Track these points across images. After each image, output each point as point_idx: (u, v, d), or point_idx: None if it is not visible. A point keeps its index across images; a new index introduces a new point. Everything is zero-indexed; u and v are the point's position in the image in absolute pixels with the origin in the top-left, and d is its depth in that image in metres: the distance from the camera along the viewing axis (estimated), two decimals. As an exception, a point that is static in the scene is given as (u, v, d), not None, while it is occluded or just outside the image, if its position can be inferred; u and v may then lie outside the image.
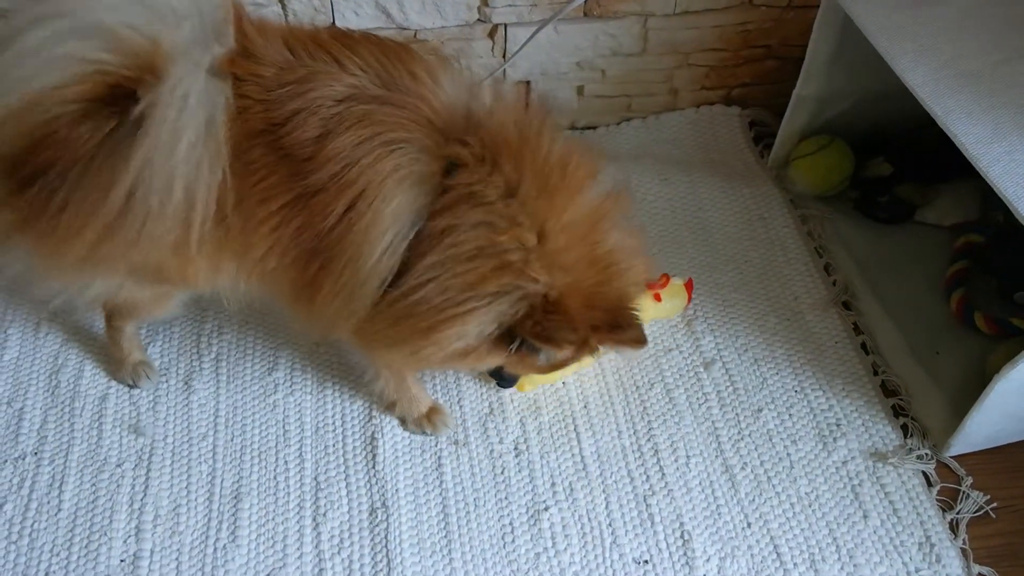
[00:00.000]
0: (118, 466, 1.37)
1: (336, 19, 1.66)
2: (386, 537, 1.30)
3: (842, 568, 1.28)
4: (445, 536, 1.31)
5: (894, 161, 1.71)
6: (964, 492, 1.36)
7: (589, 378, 1.48)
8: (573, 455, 1.40)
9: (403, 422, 1.42)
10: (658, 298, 1.50)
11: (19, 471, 1.36)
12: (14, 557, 1.28)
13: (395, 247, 1.08)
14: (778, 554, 1.29)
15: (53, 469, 1.37)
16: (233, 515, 1.32)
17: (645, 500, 1.35)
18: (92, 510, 1.32)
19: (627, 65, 1.83)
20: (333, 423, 1.43)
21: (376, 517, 1.32)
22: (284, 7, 1.63)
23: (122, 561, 1.28)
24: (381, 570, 1.27)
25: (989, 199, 1.44)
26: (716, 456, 1.39)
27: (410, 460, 1.39)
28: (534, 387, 1.45)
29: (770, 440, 1.41)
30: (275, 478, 1.36)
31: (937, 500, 1.35)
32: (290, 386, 1.47)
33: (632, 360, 1.50)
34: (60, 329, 1.53)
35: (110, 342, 1.45)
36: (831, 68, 1.64)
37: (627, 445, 1.41)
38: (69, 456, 1.38)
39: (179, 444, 1.40)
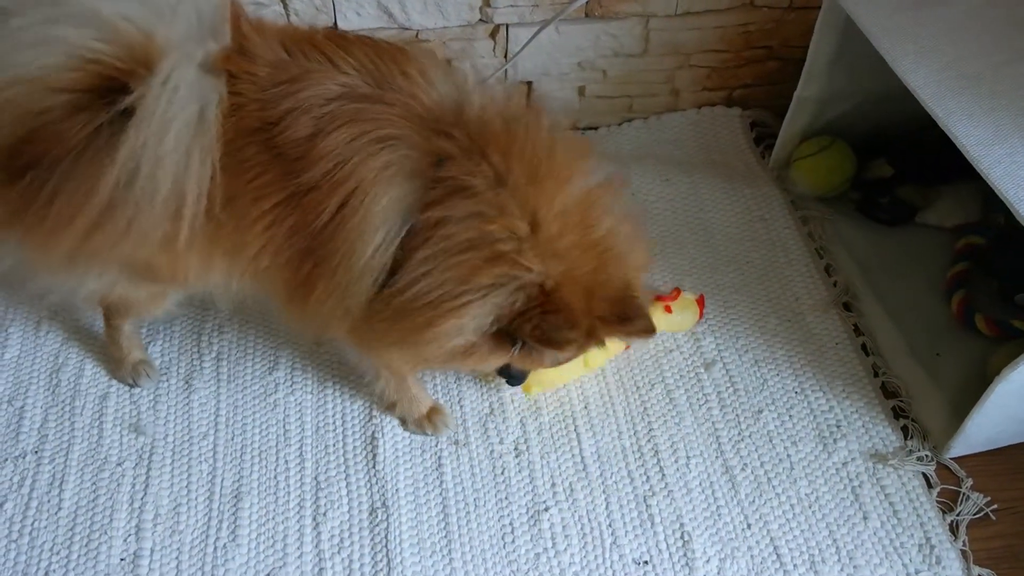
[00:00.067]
0: (118, 465, 1.37)
1: (338, 19, 1.66)
2: (386, 537, 1.30)
3: (842, 569, 1.28)
4: (445, 536, 1.31)
5: (895, 163, 1.71)
6: (964, 494, 1.36)
7: (589, 378, 1.48)
8: (573, 455, 1.40)
9: (403, 422, 1.42)
10: (668, 310, 1.49)
11: (20, 469, 1.36)
12: (14, 556, 1.28)
13: (388, 243, 1.07)
14: (778, 555, 1.30)
15: (54, 468, 1.37)
16: (233, 514, 1.32)
17: (645, 501, 1.35)
18: (92, 509, 1.33)
19: (628, 66, 1.84)
20: (333, 423, 1.43)
21: (376, 517, 1.32)
22: (286, 7, 1.63)
23: (122, 560, 1.28)
24: (381, 570, 1.27)
25: (990, 201, 1.43)
26: (716, 457, 1.39)
27: (410, 460, 1.39)
28: (542, 389, 1.44)
29: (770, 441, 1.41)
30: (275, 477, 1.36)
31: (937, 502, 1.35)
32: (291, 385, 1.47)
33: (635, 355, 1.50)
34: (61, 328, 1.53)
35: (109, 341, 1.45)
36: (832, 69, 1.64)
37: (627, 446, 1.41)
38: (70, 455, 1.38)
39: (179, 443, 1.40)
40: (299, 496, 1.35)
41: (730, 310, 1.59)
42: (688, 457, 1.39)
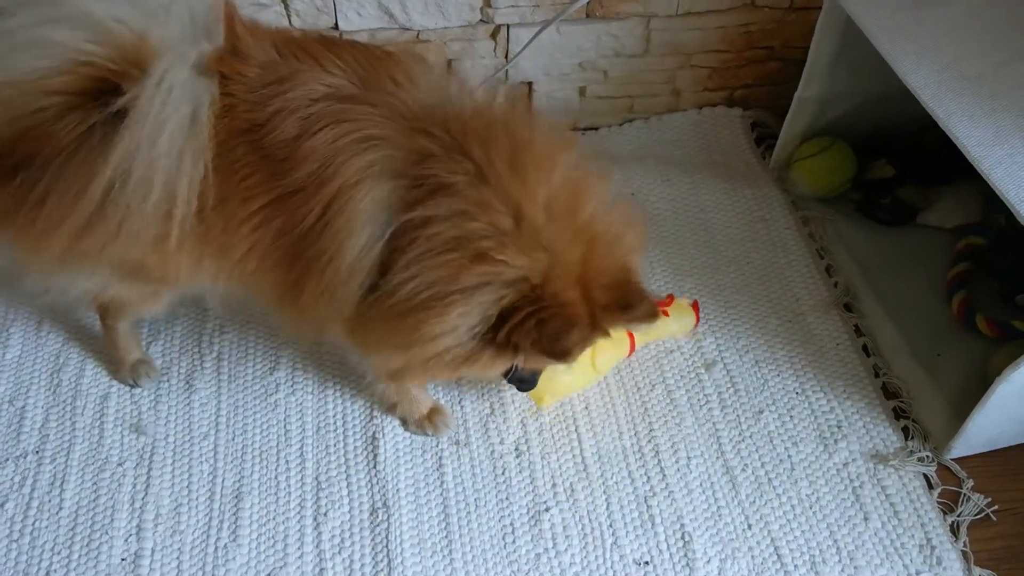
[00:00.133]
0: (119, 465, 1.37)
1: (339, 20, 1.66)
2: (387, 537, 1.30)
3: (843, 570, 1.28)
4: (446, 536, 1.31)
5: (896, 163, 1.71)
6: (965, 494, 1.36)
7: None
8: (574, 456, 1.40)
9: (404, 423, 1.42)
10: (665, 313, 1.49)
11: (21, 469, 1.37)
12: (15, 555, 1.28)
13: (373, 243, 1.07)
14: (779, 556, 1.29)
15: (54, 468, 1.37)
16: (234, 514, 1.33)
17: (646, 501, 1.35)
18: (93, 509, 1.33)
19: (629, 66, 1.84)
20: (334, 423, 1.43)
21: (377, 517, 1.33)
22: (287, 7, 1.63)
23: (123, 560, 1.28)
24: (382, 570, 1.28)
25: (991, 201, 1.44)
26: (717, 457, 1.39)
27: (411, 460, 1.39)
28: (555, 400, 1.43)
29: (771, 442, 1.41)
30: (276, 478, 1.37)
31: (938, 502, 1.35)
32: (291, 386, 1.47)
33: (636, 355, 1.50)
34: (62, 328, 1.54)
35: (107, 341, 1.46)
36: (833, 70, 1.64)
37: (628, 446, 1.41)
38: (70, 455, 1.38)
39: (180, 443, 1.40)
40: (300, 496, 1.35)
41: (731, 311, 1.59)
42: (689, 457, 1.39)
